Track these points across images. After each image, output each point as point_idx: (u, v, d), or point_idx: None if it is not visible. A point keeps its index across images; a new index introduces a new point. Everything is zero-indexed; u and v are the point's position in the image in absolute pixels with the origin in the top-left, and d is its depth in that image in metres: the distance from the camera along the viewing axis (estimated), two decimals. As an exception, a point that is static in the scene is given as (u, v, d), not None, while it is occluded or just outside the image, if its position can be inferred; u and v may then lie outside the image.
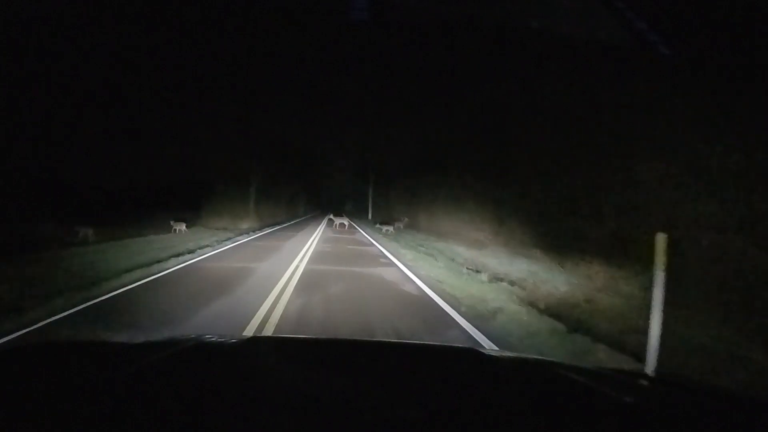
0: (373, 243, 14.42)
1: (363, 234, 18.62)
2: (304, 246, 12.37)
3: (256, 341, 1.73)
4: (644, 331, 2.81)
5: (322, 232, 18.50)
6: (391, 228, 19.04)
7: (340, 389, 0.90)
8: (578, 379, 1.04)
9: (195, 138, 17.05)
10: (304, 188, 45.10)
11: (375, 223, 21.81)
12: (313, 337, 1.70)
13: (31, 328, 4.13)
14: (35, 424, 0.65)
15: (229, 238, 14.22)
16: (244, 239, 14.68)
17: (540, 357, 1.70)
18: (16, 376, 0.92)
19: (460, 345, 3.01)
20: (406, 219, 21.02)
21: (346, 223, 21.55)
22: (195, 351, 1.20)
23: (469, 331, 4.29)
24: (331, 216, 23.27)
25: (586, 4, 5.67)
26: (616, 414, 0.83)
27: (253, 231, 18.20)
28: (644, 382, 1.14)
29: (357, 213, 46.31)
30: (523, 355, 2.29)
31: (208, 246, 11.48)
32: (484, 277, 7.32)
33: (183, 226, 15.67)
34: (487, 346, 3.83)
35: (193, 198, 19.82)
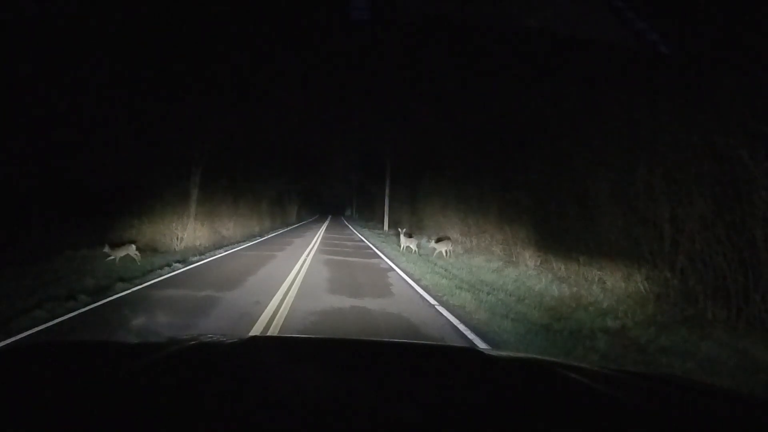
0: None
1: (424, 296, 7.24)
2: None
3: (257, 341, 1.73)
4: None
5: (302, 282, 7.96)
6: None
7: (340, 388, 0.91)
8: (578, 379, 1.04)
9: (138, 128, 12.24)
10: (297, 187, 37.27)
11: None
12: (314, 336, 1.70)
13: None
14: (35, 424, 0.65)
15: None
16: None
17: (540, 357, 1.70)
18: (14, 376, 0.92)
19: (459, 345, 3.00)
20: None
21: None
22: (195, 351, 1.21)
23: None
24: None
25: (586, 3, 5.65)
26: (615, 414, 0.83)
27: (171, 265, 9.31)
28: (644, 382, 1.14)
29: (362, 220, 40.38)
30: (523, 355, 2.28)
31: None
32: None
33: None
34: None
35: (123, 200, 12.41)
